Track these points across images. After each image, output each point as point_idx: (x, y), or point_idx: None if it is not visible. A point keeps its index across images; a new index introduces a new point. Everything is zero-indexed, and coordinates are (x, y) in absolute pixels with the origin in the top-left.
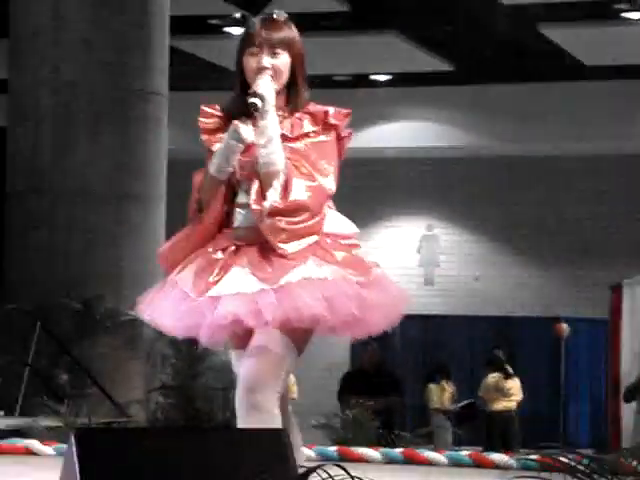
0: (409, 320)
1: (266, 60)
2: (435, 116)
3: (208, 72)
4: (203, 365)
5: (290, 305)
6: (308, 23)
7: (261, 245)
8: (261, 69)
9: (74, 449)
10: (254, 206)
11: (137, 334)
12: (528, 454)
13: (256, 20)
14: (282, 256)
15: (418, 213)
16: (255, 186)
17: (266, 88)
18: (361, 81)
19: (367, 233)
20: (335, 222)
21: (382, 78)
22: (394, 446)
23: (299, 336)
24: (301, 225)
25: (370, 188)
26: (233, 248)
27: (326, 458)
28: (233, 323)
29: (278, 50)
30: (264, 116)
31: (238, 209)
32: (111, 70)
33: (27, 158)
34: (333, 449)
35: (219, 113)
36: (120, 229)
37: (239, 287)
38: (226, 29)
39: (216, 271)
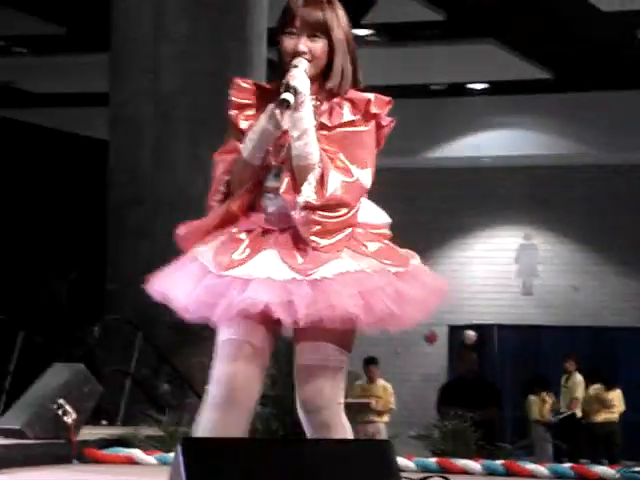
0: (507, 330)
1: (303, 43)
2: (533, 124)
3: None
4: None
5: (325, 303)
6: (404, 32)
7: (292, 232)
8: (298, 53)
9: (180, 458)
10: (286, 196)
11: None
12: (632, 466)
13: None
14: (315, 248)
15: (515, 222)
16: (288, 174)
17: (300, 79)
18: (457, 90)
19: (465, 243)
20: (367, 211)
21: (479, 87)
22: (494, 458)
23: (349, 339)
24: (336, 220)
25: (467, 197)
26: (260, 230)
27: (426, 470)
28: (261, 312)
29: (317, 32)
30: (299, 108)
31: (267, 193)
32: (210, 80)
33: (128, 169)
34: (433, 460)
35: (253, 89)
36: None
37: (270, 272)
38: None
39: (241, 249)
